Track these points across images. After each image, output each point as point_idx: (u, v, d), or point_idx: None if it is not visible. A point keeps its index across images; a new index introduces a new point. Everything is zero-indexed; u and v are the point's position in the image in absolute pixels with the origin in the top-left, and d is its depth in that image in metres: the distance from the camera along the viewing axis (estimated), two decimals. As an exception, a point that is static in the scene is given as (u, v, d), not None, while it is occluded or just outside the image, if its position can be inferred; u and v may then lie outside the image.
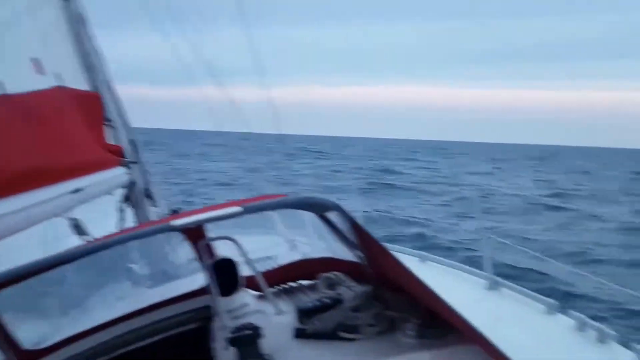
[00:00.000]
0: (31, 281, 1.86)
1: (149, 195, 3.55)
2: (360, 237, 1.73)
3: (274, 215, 3.75)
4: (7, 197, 2.02)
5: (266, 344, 1.66)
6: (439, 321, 1.61)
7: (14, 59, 2.66)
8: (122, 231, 2.83)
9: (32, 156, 2.28)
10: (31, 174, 2.22)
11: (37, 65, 2.68)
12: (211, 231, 2.29)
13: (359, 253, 1.91)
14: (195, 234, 2.19)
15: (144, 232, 2.39)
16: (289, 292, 2.25)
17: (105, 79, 3.34)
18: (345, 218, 1.62)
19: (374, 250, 1.70)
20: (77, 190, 2.40)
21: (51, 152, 2.42)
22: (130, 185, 3.33)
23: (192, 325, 2.33)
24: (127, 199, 3.40)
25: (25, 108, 2.38)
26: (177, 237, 2.90)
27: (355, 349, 1.69)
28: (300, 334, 1.80)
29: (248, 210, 1.57)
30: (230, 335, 1.65)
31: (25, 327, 2.33)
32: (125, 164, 3.17)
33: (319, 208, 1.74)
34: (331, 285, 2.04)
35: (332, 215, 1.84)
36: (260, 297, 2.15)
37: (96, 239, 2.15)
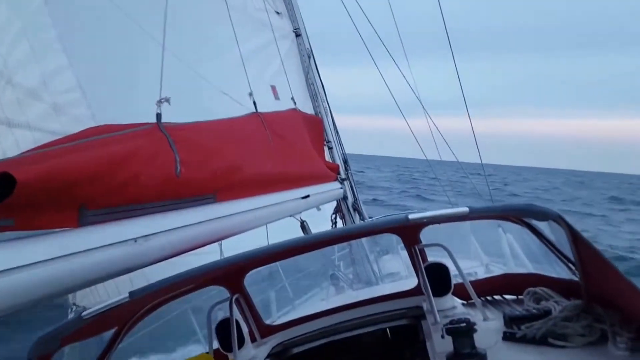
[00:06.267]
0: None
1: (356, 209, 4.12)
2: (581, 250, 1.77)
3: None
4: (255, 196, 2.48)
5: (478, 340, 1.81)
6: None
7: (259, 84, 3.24)
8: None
9: (274, 164, 2.71)
10: (273, 178, 2.65)
11: (275, 91, 3.21)
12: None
13: (572, 266, 1.98)
14: (411, 238, 2.44)
15: (378, 224, 2.64)
16: (493, 303, 2.43)
17: (325, 106, 3.99)
18: (566, 229, 1.67)
19: (597, 264, 1.72)
20: (306, 197, 2.90)
21: (288, 162, 2.86)
22: (343, 199, 3.90)
23: (402, 322, 2.57)
24: (337, 210, 4.01)
25: (270, 124, 2.85)
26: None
27: (565, 357, 1.75)
28: (509, 338, 1.93)
29: (473, 212, 1.72)
30: (447, 325, 1.82)
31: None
32: (340, 180, 3.73)
33: (540, 215, 1.80)
34: (537, 300, 2.15)
35: (546, 226, 1.91)
36: (467, 305, 2.30)
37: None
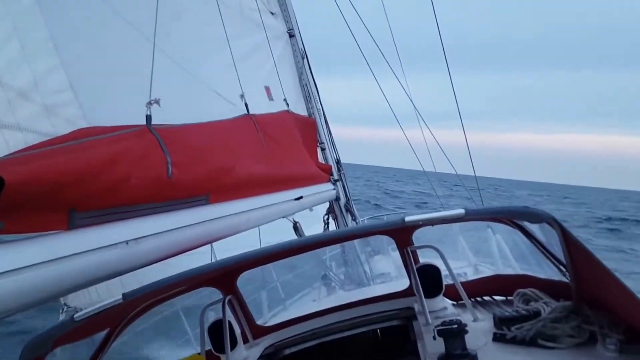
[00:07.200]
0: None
1: (348, 209, 4.13)
2: (573, 251, 1.78)
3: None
4: (248, 198, 2.48)
5: (468, 342, 1.83)
6: None
7: (253, 85, 3.23)
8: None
9: (267, 165, 2.71)
10: (266, 180, 2.65)
11: (268, 92, 3.20)
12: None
13: (563, 268, 2.00)
14: (404, 240, 2.46)
15: (372, 226, 2.67)
16: (483, 304, 2.46)
17: (318, 107, 3.98)
18: (559, 231, 1.69)
19: (589, 266, 1.73)
20: (299, 198, 2.91)
21: (280, 164, 2.86)
22: (336, 200, 3.91)
23: (394, 323, 2.59)
24: (329, 211, 4.02)
25: (262, 126, 2.85)
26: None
27: (554, 358, 1.78)
28: (499, 339, 1.95)
29: (469, 214, 1.73)
30: (439, 327, 1.84)
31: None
32: (333, 181, 3.73)
33: (534, 218, 1.82)
34: (527, 301, 2.16)
35: (536, 228, 1.96)
36: (457, 306, 2.31)
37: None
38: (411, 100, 5.42)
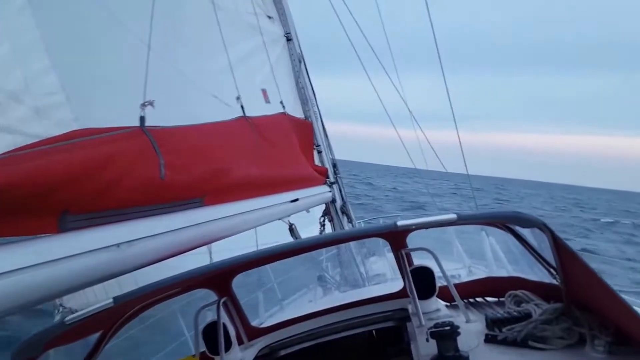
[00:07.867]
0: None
1: (344, 212, 4.13)
2: (563, 255, 1.81)
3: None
4: (243, 200, 2.48)
5: (461, 343, 1.84)
6: (634, 345, 1.68)
7: (250, 88, 3.23)
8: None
9: (262, 167, 2.71)
10: (261, 182, 2.65)
11: (265, 95, 3.20)
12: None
13: (553, 271, 2.01)
14: (398, 242, 2.48)
15: (367, 230, 2.69)
16: (475, 305, 2.49)
17: (315, 110, 3.99)
18: (549, 236, 1.71)
19: (578, 269, 1.76)
20: (295, 200, 2.91)
21: (276, 166, 2.86)
22: (332, 202, 3.92)
23: (388, 324, 2.60)
24: (325, 213, 4.02)
25: (258, 128, 2.85)
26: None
27: (545, 358, 1.80)
28: (490, 340, 1.97)
29: (461, 219, 1.74)
30: (432, 329, 1.86)
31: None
32: (329, 183, 3.73)
33: (525, 223, 1.84)
34: (518, 302, 2.18)
35: (528, 232, 1.99)
36: (450, 307, 2.38)
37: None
38: (405, 103, 5.47)
